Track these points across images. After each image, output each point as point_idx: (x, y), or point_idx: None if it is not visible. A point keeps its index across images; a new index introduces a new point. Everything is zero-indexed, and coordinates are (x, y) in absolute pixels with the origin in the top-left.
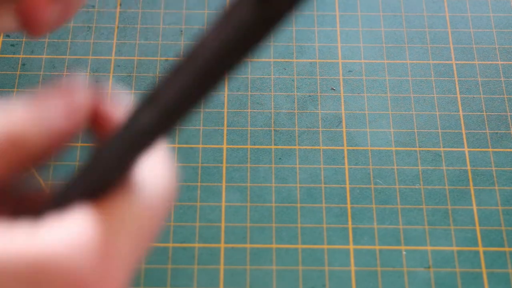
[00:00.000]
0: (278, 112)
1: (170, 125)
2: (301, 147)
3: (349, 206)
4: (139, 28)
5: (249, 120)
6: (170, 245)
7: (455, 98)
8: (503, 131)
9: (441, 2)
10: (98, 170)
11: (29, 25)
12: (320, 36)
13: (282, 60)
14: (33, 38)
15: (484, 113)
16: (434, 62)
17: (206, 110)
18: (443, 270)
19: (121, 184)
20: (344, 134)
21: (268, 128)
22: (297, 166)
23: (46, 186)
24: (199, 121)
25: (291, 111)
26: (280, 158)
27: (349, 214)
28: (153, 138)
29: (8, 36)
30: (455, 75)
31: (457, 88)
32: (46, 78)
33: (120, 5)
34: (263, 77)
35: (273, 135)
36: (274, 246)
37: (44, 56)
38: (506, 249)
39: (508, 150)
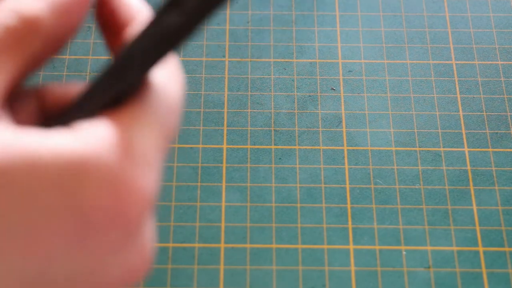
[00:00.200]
0: (278, 112)
1: (195, 27)
2: (301, 147)
3: (349, 206)
4: None
5: (249, 120)
6: (170, 245)
7: (455, 98)
8: (503, 131)
9: (441, 2)
10: (120, 73)
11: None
12: (320, 36)
13: (282, 60)
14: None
15: (484, 113)
16: (434, 62)
17: (206, 110)
18: (443, 270)
19: (141, 87)
20: (344, 134)
21: (268, 128)
22: (297, 166)
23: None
24: (199, 121)
25: (291, 111)
26: (280, 158)
27: (349, 214)
28: (179, 40)
29: None
30: (455, 75)
31: (457, 88)
32: (46, 78)
33: None
34: (263, 77)
35: (273, 135)
36: (274, 246)
37: None
38: (506, 249)
39: (508, 150)
